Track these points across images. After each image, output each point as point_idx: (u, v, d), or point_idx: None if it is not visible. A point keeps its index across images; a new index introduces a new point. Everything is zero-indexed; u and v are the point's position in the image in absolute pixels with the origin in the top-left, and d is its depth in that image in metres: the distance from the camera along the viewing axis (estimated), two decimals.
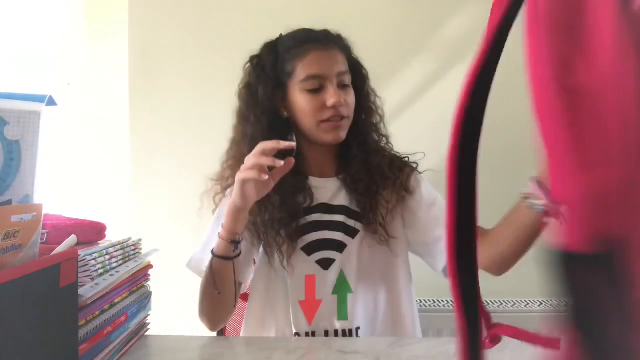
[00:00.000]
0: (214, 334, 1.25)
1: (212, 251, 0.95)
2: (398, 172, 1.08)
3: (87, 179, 1.82)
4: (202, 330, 1.05)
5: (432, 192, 1.09)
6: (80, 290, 0.65)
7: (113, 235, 0.84)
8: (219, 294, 0.95)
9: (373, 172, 1.04)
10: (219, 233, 0.95)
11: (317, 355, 0.82)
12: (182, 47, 1.75)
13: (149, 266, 0.91)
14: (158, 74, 1.74)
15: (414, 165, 1.10)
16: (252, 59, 1.06)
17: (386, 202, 1.05)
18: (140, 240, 0.88)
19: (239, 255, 0.95)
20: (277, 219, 1.00)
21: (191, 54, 1.75)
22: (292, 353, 0.81)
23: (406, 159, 1.11)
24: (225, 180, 1.06)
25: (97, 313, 0.69)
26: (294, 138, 1.01)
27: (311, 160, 1.07)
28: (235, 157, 1.04)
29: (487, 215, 0.98)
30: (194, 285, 1.74)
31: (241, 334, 1.12)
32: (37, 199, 0.58)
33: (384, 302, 1.04)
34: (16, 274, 0.50)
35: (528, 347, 0.32)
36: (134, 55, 1.73)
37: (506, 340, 0.35)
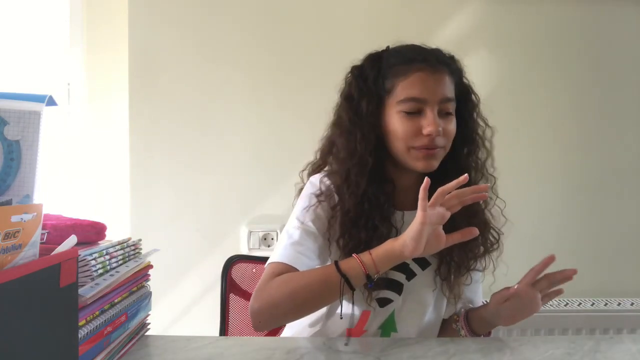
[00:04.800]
0: (215, 333, 1.25)
1: (336, 262, 0.87)
2: (484, 247, 0.99)
3: (88, 179, 1.82)
4: (202, 330, 1.05)
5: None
6: (80, 290, 0.65)
7: (113, 235, 0.84)
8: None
9: (462, 225, 0.91)
10: (364, 254, 0.86)
11: (317, 355, 0.82)
12: (181, 48, 1.75)
13: (149, 266, 0.91)
14: (158, 75, 1.74)
15: (496, 247, 1.00)
16: (354, 69, 0.99)
17: (460, 262, 0.98)
18: (140, 240, 0.88)
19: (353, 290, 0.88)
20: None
21: (191, 54, 1.75)
22: (292, 353, 0.81)
23: (499, 236, 1.00)
24: (332, 198, 0.97)
25: (97, 313, 0.69)
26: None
27: (399, 188, 0.98)
28: (341, 175, 0.95)
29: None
30: (194, 285, 1.75)
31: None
32: (37, 199, 0.58)
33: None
34: (16, 274, 0.50)
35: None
36: (134, 56, 1.73)
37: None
